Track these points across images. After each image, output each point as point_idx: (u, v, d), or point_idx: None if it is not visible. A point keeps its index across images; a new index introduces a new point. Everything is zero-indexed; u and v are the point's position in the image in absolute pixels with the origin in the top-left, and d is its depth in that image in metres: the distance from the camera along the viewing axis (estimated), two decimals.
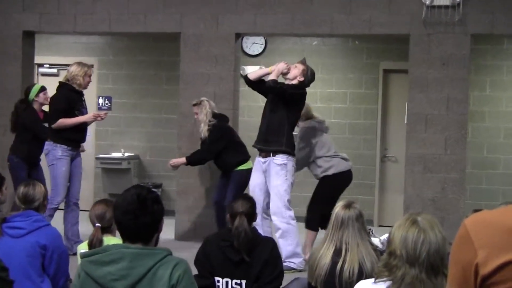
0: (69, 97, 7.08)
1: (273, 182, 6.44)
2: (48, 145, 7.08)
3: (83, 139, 7.28)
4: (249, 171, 7.06)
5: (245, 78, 6.83)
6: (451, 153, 7.50)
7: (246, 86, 9.38)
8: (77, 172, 7.20)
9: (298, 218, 9.54)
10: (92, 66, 7.80)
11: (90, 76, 7.21)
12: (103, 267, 2.66)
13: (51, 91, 10.46)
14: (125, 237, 2.76)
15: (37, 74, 10.32)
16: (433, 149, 7.47)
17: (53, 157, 7.00)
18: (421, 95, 7.56)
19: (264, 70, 6.93)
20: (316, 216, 6.73)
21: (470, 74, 7.92)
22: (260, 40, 9.98)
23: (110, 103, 10.41)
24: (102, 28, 8.36)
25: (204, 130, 7.18)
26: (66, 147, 7.02)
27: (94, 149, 10.38)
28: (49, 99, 7.36)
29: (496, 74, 9.52)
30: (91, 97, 10.43)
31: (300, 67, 6.60)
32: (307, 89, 6.76)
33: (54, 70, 10.48)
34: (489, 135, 9.51)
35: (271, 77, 6.43)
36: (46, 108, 7.52)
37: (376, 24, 7.69)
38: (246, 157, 7.36)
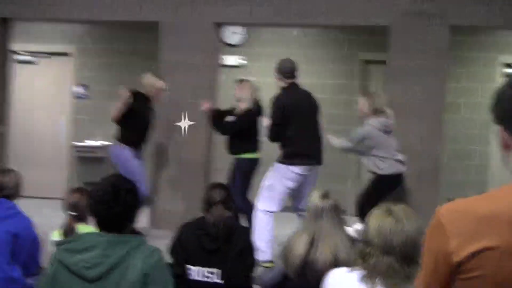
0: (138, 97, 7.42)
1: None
2: (113, 149, 7.47)
3: (144, 142, 7.58)
4: (253, 161, 7.09)
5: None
6: (427, 144, 7.54)
7: (225, 75, 9.39)
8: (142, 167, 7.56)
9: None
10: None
11: (158, 90, 7.52)
12: (77, 254, 2.67)
13: (27, 78, 10.40)
14: (99, 226, 2.77)
15: (14, 62, 10.20)
16: (409, 140, 7.50)
17: (123, 159, 7.34)
18: (398, 86, 7.58)
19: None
20: (360, 209, 6.54)
21: (447, 66, 7.96)
22: (240, 30, 9.94)
23: (85, 90, 10.35)
24: (79, 16, 8.27)
25: (239, 107, 7.11)
26: (130, 148, 7.39)
27: (70, 137, 10.30)
28: None
29: (472, 66, 9.59)
30: (69, 85, 10.37)
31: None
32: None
33: (31, 58, 10.37)
34: (465, 126, 9.58)
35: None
36: None
37: (355, 15, 7.69)
38: (254, 147, 7.25)
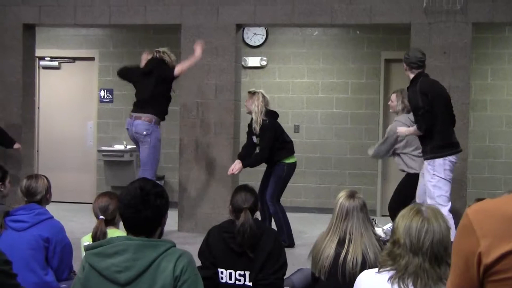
0: None
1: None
2: (149, 125, 7.21)
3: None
4: (290, 165, 7.15)
5: None
6: None
7: (248, 76, 9.39)
8: None
9: (296, 208, 9.58)
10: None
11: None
12: (107, 259, 2.66)
13: (52, 84, 10.50)
14: (128, 230, 2.77)
15: (38, 67, 10.32)
16: None
17: (156, 140, 7.23)
18: None
19: None
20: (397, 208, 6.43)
21: (471, 63, 7.90)
22: (261, 31, 9.96)
23: (111, 95, 10.45)
24: (102, 21, 8.33)
25: (258, 121, 7.12)
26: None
27: (96, 141, 10.38)
28: None
29: (497, 63, 9.51)
30: (93, 90, 10.45)
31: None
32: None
33: (55, 63, 10.47)
34: (491, 124, 9.50)
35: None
36: None
37: (377, 13, 7.67)
38: (291, 152, 7.29)
